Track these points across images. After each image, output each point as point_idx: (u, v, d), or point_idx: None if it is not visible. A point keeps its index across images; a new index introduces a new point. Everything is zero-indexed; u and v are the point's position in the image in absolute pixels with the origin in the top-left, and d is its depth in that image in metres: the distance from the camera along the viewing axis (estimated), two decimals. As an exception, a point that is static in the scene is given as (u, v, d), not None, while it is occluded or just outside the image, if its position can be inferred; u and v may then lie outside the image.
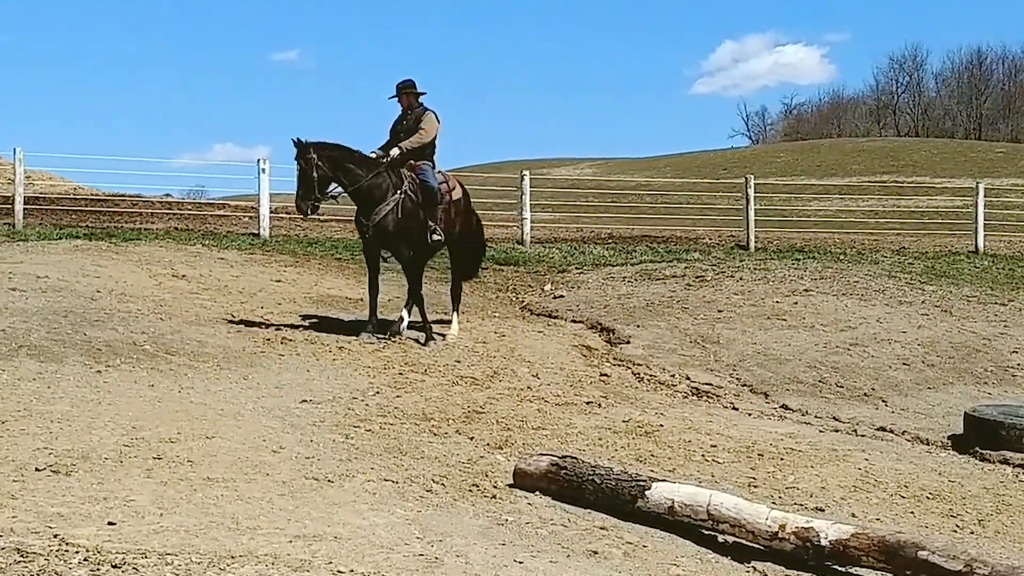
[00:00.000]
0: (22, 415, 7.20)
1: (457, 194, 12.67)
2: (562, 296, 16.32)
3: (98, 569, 4.25)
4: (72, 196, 26.88)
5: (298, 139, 11.70)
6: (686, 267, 18.10)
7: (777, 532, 5.95)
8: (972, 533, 7.23)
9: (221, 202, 28.40)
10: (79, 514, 5.20)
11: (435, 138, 12.35)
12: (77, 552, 4.46)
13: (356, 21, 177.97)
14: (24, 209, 19.83)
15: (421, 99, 12.45)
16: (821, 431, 9.94)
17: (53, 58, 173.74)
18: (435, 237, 12.21)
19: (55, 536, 4.75)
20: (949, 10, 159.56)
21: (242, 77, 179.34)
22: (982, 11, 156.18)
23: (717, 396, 11.16)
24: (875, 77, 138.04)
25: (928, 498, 7.89)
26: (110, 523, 5.08)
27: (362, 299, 13.22)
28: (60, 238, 17.14)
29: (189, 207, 26.64)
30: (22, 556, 4.33)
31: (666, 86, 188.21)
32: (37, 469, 5.93)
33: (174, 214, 23.86)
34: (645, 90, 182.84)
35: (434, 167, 12.40)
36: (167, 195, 29.31)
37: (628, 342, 13.25)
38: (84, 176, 33.36)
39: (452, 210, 12.56)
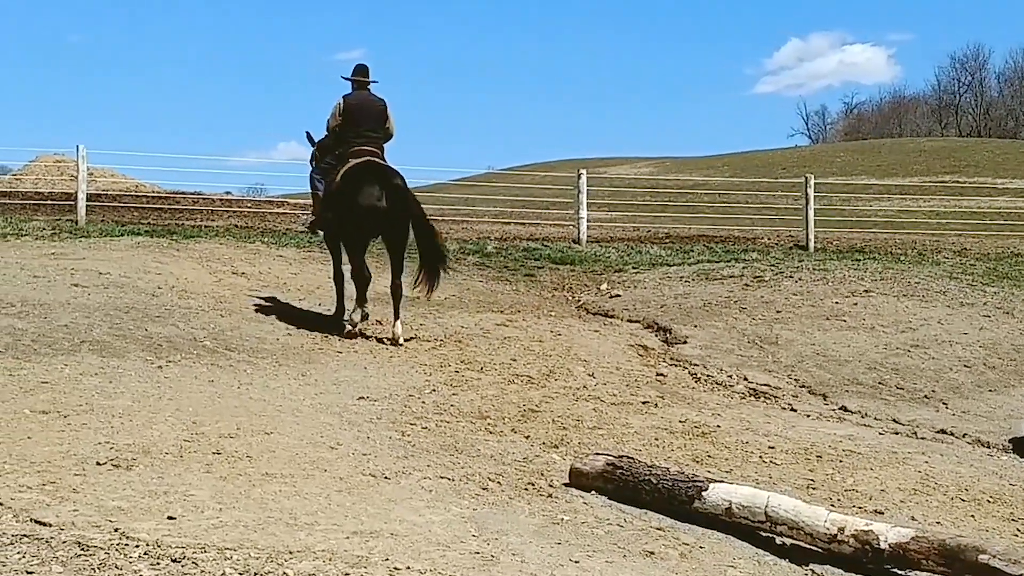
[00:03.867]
0: (84, 410, 7.30)
1: (334, 183, 11.93)
2: (618, 295, 16.26)
3: (158, 563, 4.29)
4: (134, 193, 27.23)
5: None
6: (744, 267, 17.97)
7: (836, 535, 5.89)
8: (1034, 538, 7.12)
9: (280, 200, 28.63)
10: (139, 508, 5.25)
11: (338, 125, 12.12)
12: (137, 546, 4.50)
13: (419, 21, 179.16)
14: (87, 206, 20.13)
15: (369, 88, 12.44)
16: (881, 433, 9.82)
17: (122, 56, 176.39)
18: (303, 223, 12.85)
19: (115, 530, 4.79)
20: (1013, 9, 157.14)
21: (307, 77, 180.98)
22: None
23: (775, 397, 11.07)
24: (937, 76, 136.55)
25: (989, 502, 7.77)
26: (170, 517, 5.12)
27: (419, 297, 13.25)
28: (122, 235, 17.38)
29: (248, 205, 26.90)
30: (83, 549, 4.38)
31: (728, 86, 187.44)
32: (98, 463, 6.00)
33: (234, 212, 24.10)
34: (707, 89, 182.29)
35: (339, 154, 12.13)
36: (227, 193, 29.63)
37: (685, 342, 13.18)
38: (147, 174, 33.85)
39: (332, 199, 11.95)
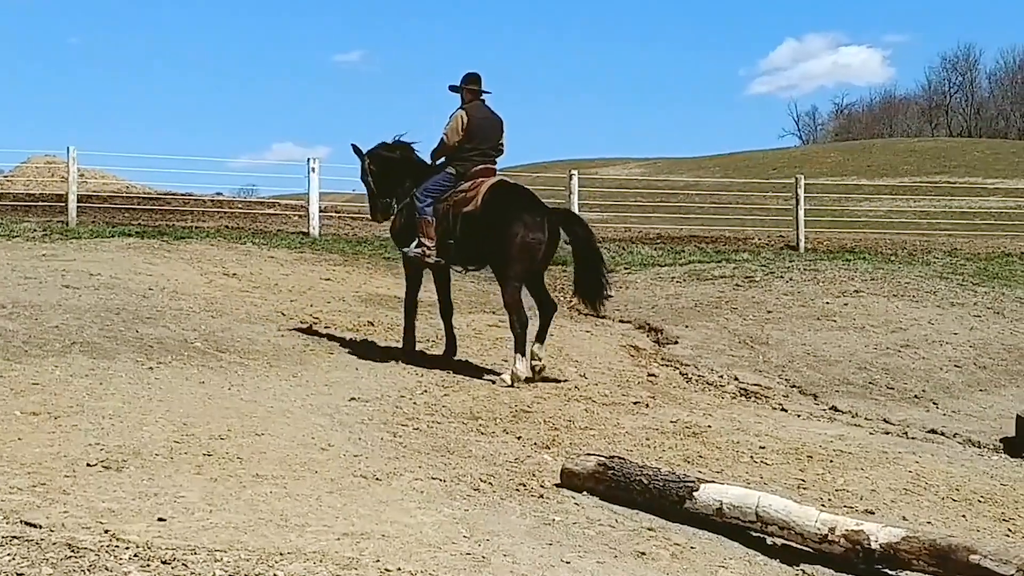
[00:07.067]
0: (75, 411, 7.28)
1: (472, 206, 10.63)
2: (610, 296, 16.23)
3: (148, 565, 4.28)
4: (124, 195, 27.17)
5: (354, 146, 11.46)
6: (735, 267, 17.99)
7: (827, 535, 5.89)
8: (1025, 537, 7.13)
9: (271, 201, 28.58)
10: (130, 510, 5.24)
11: (459, 141, 10.78)
12: (127, 548, 4.50)
13: (414, 23, 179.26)
14: (78, 207, 20.09)
15: (483, 98, 11.08)
16: (871, 433, 9.84)
17: (114, 57, 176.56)
18: (409, 252, 10.90)
19: (106, 531, 4.79)
20: (1006, 9, 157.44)
21: (302, 78, 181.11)
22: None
23: (766, 397, 11.08)
24: (927, 77, 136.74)
25: (980, 501, 7.77)
26: (160, 519, 5.12)
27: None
28: (113, 236, 17.36)
29: (240, 206, 26.85)
30: (73, 551, 4.37)
31: (722, 87, 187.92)
32: (89, 465, 5.99)
33: (225, 213, 24.07)
34: (701, 91, 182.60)
35: (456, 172, 10.81)
36: (218, 194, 29.60)
37: (676, 342, 13.19)
38: (138, 175, 33.82)
39: (460, 222, 10.67)
